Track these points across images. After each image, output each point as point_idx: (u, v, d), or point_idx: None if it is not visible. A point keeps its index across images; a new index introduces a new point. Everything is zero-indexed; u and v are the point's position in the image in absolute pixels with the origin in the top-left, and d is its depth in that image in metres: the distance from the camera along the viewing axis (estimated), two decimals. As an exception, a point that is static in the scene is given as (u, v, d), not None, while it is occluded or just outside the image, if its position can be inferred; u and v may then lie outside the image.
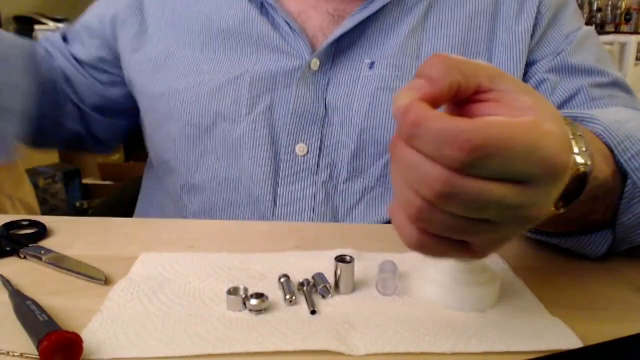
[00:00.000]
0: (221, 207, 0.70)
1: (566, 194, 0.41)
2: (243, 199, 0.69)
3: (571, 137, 0.40)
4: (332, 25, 0.69)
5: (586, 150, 0.40)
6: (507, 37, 0.69)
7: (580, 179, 0.41)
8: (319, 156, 0.67)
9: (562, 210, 0.43)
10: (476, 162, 0.30)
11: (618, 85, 0.70)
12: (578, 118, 0.53)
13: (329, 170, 0.67)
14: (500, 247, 0.38)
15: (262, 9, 0.70)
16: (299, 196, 0.67)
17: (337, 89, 0.68)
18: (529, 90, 0.35)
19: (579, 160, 0.40)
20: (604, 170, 0.47)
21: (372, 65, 0.68)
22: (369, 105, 0.67)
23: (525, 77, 0.71)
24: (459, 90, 0.33)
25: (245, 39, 0.70)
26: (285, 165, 0.67)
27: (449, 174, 0.31)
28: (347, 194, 0.67)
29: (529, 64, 0.70)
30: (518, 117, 0.32)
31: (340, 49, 0.68)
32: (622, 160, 0.49)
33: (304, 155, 0.67)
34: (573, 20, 0.73)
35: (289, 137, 0.67)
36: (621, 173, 0.50)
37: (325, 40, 0.68)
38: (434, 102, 0.33)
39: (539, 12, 0.69)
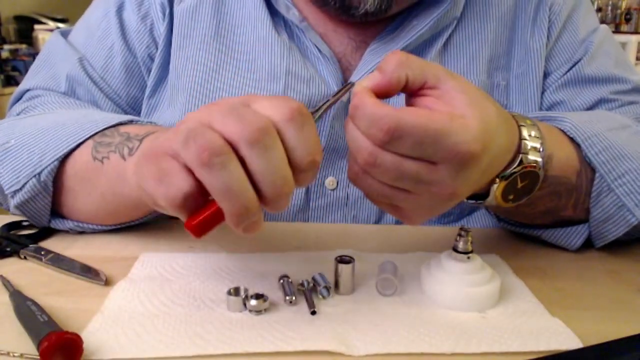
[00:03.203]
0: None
1: (519, 189, 0.47)
2: None
3: (526, 137, 0.46)
4: (356, 52, 0.65)
5: (540, 151, 0.46)
6: (523, 50, 0.66)
7: (532, 176, 0.47)
8: (349, 189, 0.65)
9: (512, 204, 0.48)
10: (393, 141, 0.38)
11: (638, 90, 0.68)
12: (551, 118, 0.55)
13: (359, 203, 0.65)
14: (429, 218, 0.44)
15: (287, 28, 0.66)
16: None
17: None
18: (470, 90, 0.40)
19: (531, 158, 0.46)
20: (563, 169, 0.51)
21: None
22: None
23: (542, 88, 0.68)
24: (407, 83, 0.40)
25: (272, 65, 0.64)
26: (315, 198, 0.65)
27: (374, 147, 0.39)
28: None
29: (545, 75, 0.67)
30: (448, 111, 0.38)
31: None
32: (589, 154, 0.52)
33: (333, 189, 0.65)
34: (586, 20, 0.69)
35: (319, 171, 0.63)
36: (590, 170, 0.53)
37: (354, 68, 0.64)
38: (385, 91, 0.40)
39: (550, 21, 0.67)
